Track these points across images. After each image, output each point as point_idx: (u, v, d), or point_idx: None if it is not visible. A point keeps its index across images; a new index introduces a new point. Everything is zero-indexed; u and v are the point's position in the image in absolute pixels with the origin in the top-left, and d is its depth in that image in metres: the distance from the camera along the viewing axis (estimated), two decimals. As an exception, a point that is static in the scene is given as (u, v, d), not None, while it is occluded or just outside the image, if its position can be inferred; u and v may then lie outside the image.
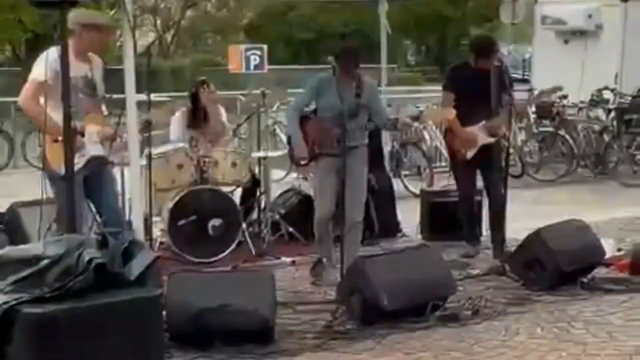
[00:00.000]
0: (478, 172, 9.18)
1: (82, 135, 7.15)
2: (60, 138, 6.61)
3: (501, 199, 8.72)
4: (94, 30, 7.30)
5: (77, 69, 7.17)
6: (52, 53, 6.94)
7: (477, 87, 8.78)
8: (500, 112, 8.88)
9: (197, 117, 9.67)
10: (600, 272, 8.11)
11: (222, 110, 10.01)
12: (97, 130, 7.26)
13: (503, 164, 8.92)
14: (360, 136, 8.11)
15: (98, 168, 7.38)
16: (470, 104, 8.74)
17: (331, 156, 8.01)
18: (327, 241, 8.34)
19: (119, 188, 8.16)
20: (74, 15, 7.12)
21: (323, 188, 8.22)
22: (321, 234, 8.29)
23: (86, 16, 7.35)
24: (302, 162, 8.47)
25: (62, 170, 6.70)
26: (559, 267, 7.67)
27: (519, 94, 13.37)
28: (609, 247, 8.50)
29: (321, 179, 8.29)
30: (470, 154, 8.95)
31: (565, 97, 15.06)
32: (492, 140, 8.98)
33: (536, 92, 9.56)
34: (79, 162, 7.06)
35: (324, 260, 8.33)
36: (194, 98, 9.67)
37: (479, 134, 8.91)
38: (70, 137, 6.24)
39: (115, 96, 7.60)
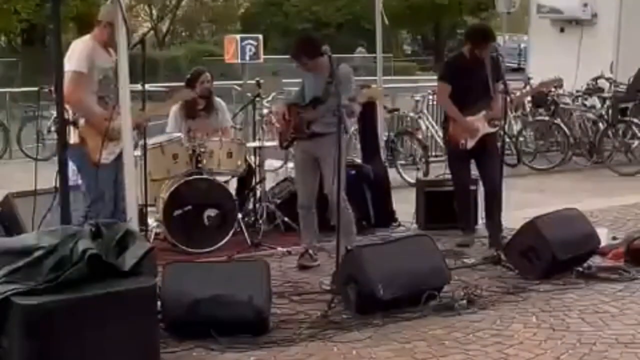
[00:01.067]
0: (473, 161, 9.15)
1: (75, 126, 7.18)
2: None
3: (497, 188, 8.72)
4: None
5: (106, 58, 7.47)
6: (81, 44, 7.34)
7: (474, 77, 8.80)
8: (497, 100, 8.86)
9: (194, 108, 9.63)
10: (595, 260, 8.07)
11: (223, 107, 9.95)
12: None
13: (499, 152, 8.91)
14: (329, 123, 8.02)
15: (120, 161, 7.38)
16: (467, 94, 8.79)
17: (302, 140, 8.33)
18: (307, 228, 8.51)
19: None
20: (108, 12, 7.33)
21: (298, 174, 8.61)
22: (301, 219, 8.56)
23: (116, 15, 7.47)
24: (282, 147, 8.79)
25: (105, 159, 7.09)
26: (554, 256, 7.66)
27: (515, 83, 13.36)
28: (604, 236, 8.48)
29: (296, 165, 8.65)
30: (471, 143, 8.93)
31: (560, 86, 15.04)
32: (493, 130, 8.97)
33: (535, 83, 9.47)
34: (114, 151, 7.31)
35: (309, 250, 8.44)
36: (190, 88, 9.61)
37: (480, 124, 8.90)
38: (63, 121, 6.35)
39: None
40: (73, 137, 7.25)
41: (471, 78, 8.81)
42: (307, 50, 8.15)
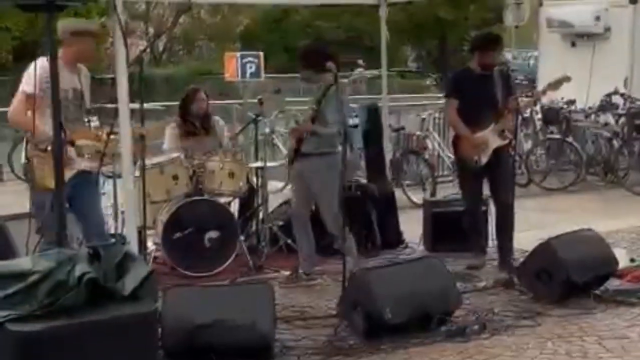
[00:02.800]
0: (484, 180, 8.96)
1: (72, 144, 6.98)
2: (49, 148, 6.53)
3: (509, 207, 8.57)
4: (87, 37, 7.24)
5: (68, 80, 7.15)
6: (40, 63, 6.78)
7: (481, 90, 8.66)
8: (507, 114, 8.70)
9: (190, 127, 9.44)
10: (613, 283, 7.94)
11: (221, 126, 9.77)
12: (87, 145, 7.17)
13: (512, 168, 8.80)
14: (314, 143, 8.12)
15: (83, 181, 7.26)
16: (475, 108, 8.66)
17: (296, 159, 8.39)
18: (303, 243, 8.54)
19: (111, 200, 8.19)
20: (64, 25, 7.09)
21: (293, 187, 8.76)
22: (296, 231, 8.63)
23: (76, 24, 7.34)
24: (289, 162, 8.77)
25: (49, 184, 6.66)
26: (569, 279, 7.48)
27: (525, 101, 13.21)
28: (622, 258, 8.32)
29: (292, 180, 8.78)
30: (484, 159, 8.75)
31: (572, 102, 14.87)
32: (503, 142, 8.78)
33: (542, 87, 9.24)
34: (65, 175, 6.86)
35: (300, 271, 8.48)
36: (185, 107, 9.42)
37: (489, 138, 8.71)
38: (60, 150, 6.12)
39: (108, 106, 7.48)
40: (23, 155, 7.09)
41: (479, 92, 8.67)
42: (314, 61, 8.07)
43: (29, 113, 6.86)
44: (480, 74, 8.73)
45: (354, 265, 8.03)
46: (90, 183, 7.36)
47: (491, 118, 8.70)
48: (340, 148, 7.98)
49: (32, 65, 6.92)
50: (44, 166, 6.96)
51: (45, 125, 6.71)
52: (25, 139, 7.04)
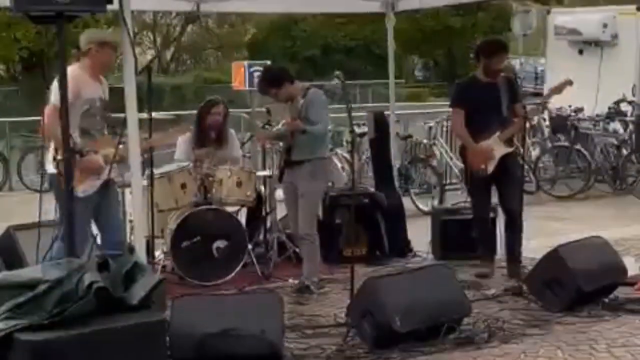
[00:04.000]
0: (493, 188, 8.94)
1: (81, 155, 6.99)
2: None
3: (518, 215, 8.53)
4: (110, 48, 7.36)
5: (94, 89, 7.31)
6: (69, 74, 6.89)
7: (488, 99, 8.64)
8: (514, 122, 8.70)
9: (203, 138, 9.39)
10: (622, 291, 7.88)
11: (235, 138, 9.74)
12: (112, 153, 7.21)
13: (521, 176, 8.76)
14: (304, 150, 8.21)
15: (109, 190, 7.42)
16: (481, 117, 8.64)
17: (286, 169, 8.47)
18: (306, 255, 8.48)
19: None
20: (89, 36, 7.34)
21: (286, 206, 8.68)
22: (299, 246, 8.68)
23: (102, 35, 7.57)
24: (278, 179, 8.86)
25: (77, 192, 6.75)
26: (579, 287, 7.44)
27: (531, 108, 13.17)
28: (631, 266, 8.27)
29: (284, 194, 8.73)
30: (491, 167, 8.73)
31: (580, 109, 14.82)
32: (509, 150, 8.76)
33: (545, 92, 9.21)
34: (94, 184, 7.20)
35: (306, 282, 8.37)
36: (200, 118, 9.38)
37: (495, 146, 8.68)
38: (70, 158, 6.17)
39: (114, 115, 7.51)
40: (51, 166, 7.09)
41: (484, 101, 8.64)
42: (271, 81, 8.32)
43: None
44: (485, 83, 8.70)
45: (308, 275, 8.27)
46: (114, 191, 7.52)
47: (497, 127, 8.67)
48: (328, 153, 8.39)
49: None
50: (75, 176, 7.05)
51: (74, 133, 6.86)
52: (53, 148, 7.02)
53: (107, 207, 7.44)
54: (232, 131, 9.80)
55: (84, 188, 7.12)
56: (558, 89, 8.81)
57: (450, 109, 9.16)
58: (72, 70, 7.13)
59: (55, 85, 6.94)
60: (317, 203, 8.54)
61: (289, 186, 8.47)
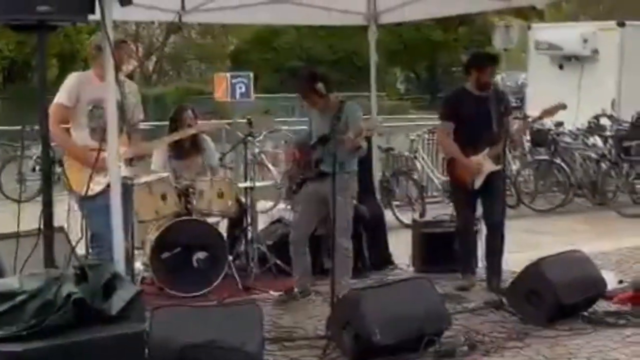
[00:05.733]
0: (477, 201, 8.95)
1: (60, 164, 7.06)
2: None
3: (500, 229, 8.59)
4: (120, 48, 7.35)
5: (99, 90, 7.23)
6: (71, 78, 7.50)
7: (478, 113, 8.57)
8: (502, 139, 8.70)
9: (179, 148, 9.36)
10: (601, 305, 7.92)
11: (211, 146, 9.71)
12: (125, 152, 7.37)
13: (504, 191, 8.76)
14: (337, 162, 7.91)
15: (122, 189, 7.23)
16: (471, 131, 8.59)
17: (311, 180, 8.32)
18: (299, 264, 8.47)
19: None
20: (92, 39, 7.60)
21: (298, 209, 8.55)
22: (293, 255, 8.51)
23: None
24: (293, 190, 8.67)
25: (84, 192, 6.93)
26: (558, 300, 7.45)
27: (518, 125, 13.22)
28: (610, 280, 8.31)
29: (300, 201, 8.54)
30: (478, 183, 8.69)
31: (561, 124, 14.87)
32: (498, 167, 8.75)
33: (535, 114, 9.15)
34: (102, 183, 7.17)
35: (295, 289, 8.40)
36: (174, 126, 9.35)
37: (484, 162, 8.66)
38: (48, 159, 6.20)
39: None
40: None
41: (474, 113, 8.59)
42: (317, 87, 8.11)
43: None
44: (476, 95, 8.64)
45: (344, 287, 8.02)
46: (127, 190, 7.33)
47: (486, 141, 8.62)
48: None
49: (67, 78, 7.60)
50: (79, 177, 7.19)
51: (76, 136, 7.35)
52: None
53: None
54: (207, 138, 9.76)
55: (92, 187, 7.10)
56: (550, 112, 8.80)
57: (439, 121, 9.10)
58: (76, 74, 7.72)
59: (62, 86, 7.44)
60: (350, 214, 8.33)
61: (311, 196, 8.32)
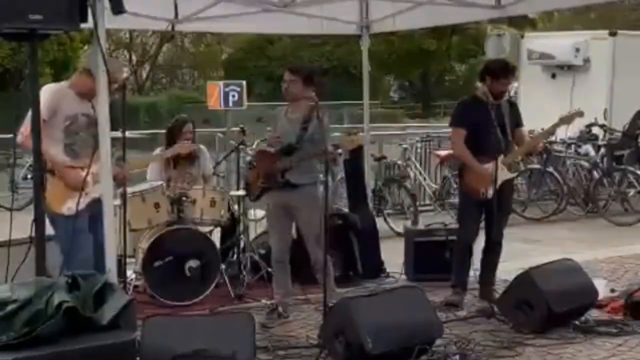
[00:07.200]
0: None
1: (52, 174, 7.02)
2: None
3: (499, 243, 8.59)
4: (87, 76, 7.20)
5: (77, 106, 7.27)
6: (47, 91, 7.12)
7: (492, 121, 8.41)
8: (515, 147, 8.62)
9: (175, 157, 9.35)
10: (593, 314, 7.93)
11: (207, 156, 9.70)
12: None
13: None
14: (305, 172, 7.91)
15: (99, 209, 7.09)
16: (485, 139, 8.41)
17: (275, 190, 8.07)
18: (279, 282, 8.30)
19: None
20: (83, 57, 7.25)
21: (271, 227, 8.35)
22: (274, 272, 8.36)
23: (87, 61, 7.31)
24: (252, 198, 8.56)
25: (62, 210, 6.96)
26: (549, 309, 7.45)
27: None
28: (602, 288, 8.31)
29: (269, 217, 8.44)
30: (491, 192, 8.47)
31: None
32: (512, 176, 8.70)
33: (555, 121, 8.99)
34: (82, 201, 7.03)
35: (279, 308, 8.22)
36: (171, 139, 9.35)
37: (499, 170, 8.45)
38: (39, 174, 6.15)
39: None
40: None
41: (488, 122, 8.41)
42: (307, 76, 8.00)
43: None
44: (490, 104, 8.44)
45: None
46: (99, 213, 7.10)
47: (498, 150, 8.44)
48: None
49: (42, 90, 7.04)
50: (56, 194, 7.06)
51: (49, 148, 6.93)
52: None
53: (96, 228, 7.16)
54: (203, 147, 9.77)
55: (69, 206, 7.07)
56: (569, 119, 8.71)
57: (450, 129, 8.83)
58: (52, 86, 7.36)
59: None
60: (321, 227, 7.70)
61: (278, 209, 8.12)
